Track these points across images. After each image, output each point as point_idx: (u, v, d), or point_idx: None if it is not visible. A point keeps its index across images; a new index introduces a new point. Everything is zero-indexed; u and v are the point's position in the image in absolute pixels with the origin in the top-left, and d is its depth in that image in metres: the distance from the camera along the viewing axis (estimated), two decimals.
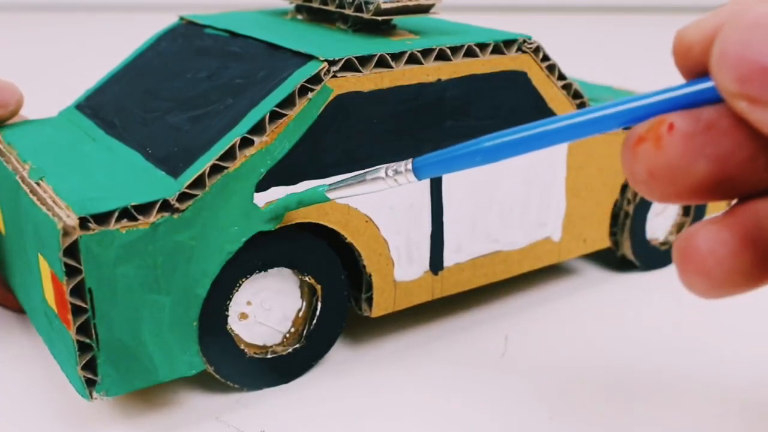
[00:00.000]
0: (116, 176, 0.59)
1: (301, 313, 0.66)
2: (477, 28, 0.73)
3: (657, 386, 0.66)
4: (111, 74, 0.79)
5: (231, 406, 0.63)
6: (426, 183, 0.67)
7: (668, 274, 0.86)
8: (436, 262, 0.70)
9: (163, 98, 0.69)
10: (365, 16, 0.67)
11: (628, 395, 0.65)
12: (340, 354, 0.70)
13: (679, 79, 0.41)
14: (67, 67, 1.80)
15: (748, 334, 0.74)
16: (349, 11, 0.69)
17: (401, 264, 0.67)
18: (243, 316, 0.63)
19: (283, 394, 0.65)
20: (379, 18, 0.67)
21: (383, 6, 0.66)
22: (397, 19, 0.74)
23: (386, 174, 0.50)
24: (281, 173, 0.60)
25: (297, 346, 0.65)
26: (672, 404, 0.64)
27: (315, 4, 0.73)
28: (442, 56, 0.66)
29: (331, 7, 0.71)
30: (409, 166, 0.48)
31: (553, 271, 0.85)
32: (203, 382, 0.65)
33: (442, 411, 0.63)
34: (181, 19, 0.81)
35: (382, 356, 0.70)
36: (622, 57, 2.05)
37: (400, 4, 0.67)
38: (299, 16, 0.79)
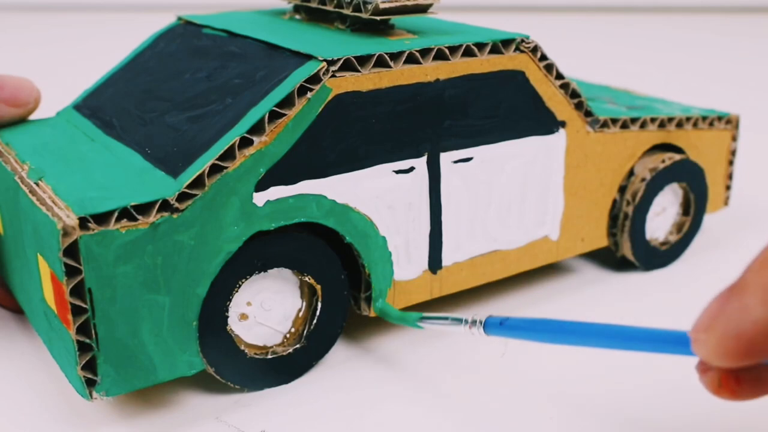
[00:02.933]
0: (115, 176, 0.59)
1: (301, 314, 0.66)
2: (475, 28, 0.73)
3: (657, 386, 0.66)
4: (109, 74, 0.79)
5: (231, 406, 0.63)
6: (424, 182, 0.67)
7: (668, 273, 0.86)
8: (434, 262, 0.70)
9: (162, 98, 0.69)
10: (363, 15, 0.67)
11: (628, 395, 0.65)
12: (340, 354, 0.70)
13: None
14: (65, 68, 1.80)
15: None
16: (347, 11, 0.69)
17: (400, 263, 0.68)
18: (243, 316, 0.63)
19: (283, 394, 0.65)
20: (378, 18, 0.67)
21: (381, 6, 0.66)
22: (395, 19, 0.74)
23: (464, 326, 0.61)
24: (280, 173, 0.60)
25: (297, 346, 0.65)
26: (672, 404, 0.64)
27: (313, 4, 0.73)
28: (440, 56, 0.66)
29: (329, 7, 0.71)
30: (483, 322, 0.60)
31: (553, 271, 0.85)
32: (203, 382, 0.66)
33: (443, 410, 0.63)
34: (179, 19, 0.81)
35: (382, 356, 0.70)
36: (622, 57, 2.06)
37: (398, 3, 0.67)
38: (297, 16, 0.79)
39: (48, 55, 2.04)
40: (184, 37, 0.77)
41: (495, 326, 0.58)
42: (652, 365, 0.69)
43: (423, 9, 0.68)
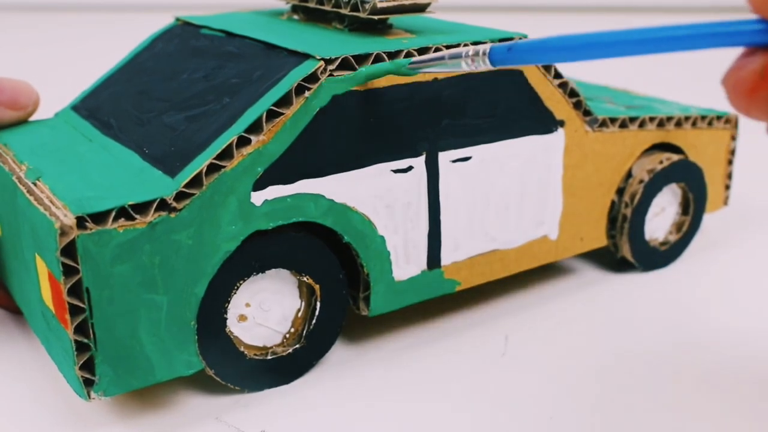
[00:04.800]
0: (113, 176, 0.59)
1: (300, 314, 0.66)
2: (473, 27, 0.73)
3: (657, 386, 0.66)
4: (106, 75, 0.79)
5: (231, 406, 0.63)
6: (423, 182, 0.67)
7: (667, 273, 0.86)
8: (433, 261, 0.69)
9: (159, 98, 0.68)
10: (361, 15, 0.67)
11: (627, 395, 0.65)
12: (340, 354, 0.70)
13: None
14: (64, 68, 1.80)
15: (747, 334, 0.74)
16: (345, 11, 0.69)
17: (399, 263, 0.67)
18: (242, 318, 0.63)
19: (283, 394, 0.65)
20: (375, 17, 0.67)
21: (379, 5, 0.66)
22: (393, 19, 0.74)
23: (465, 57, 0.53)
24: (278, 172, 0.60)
25: (297, 346, 0.65)
26: (671, 404, 0.64)
27: (311, 4, 0.73)
28: None
29: (327, 7, 0.71)
30: (486, 51, 0.50)
31: (553, 271, 0.85)
32: (203, 382, 0.65)
33: (443, 411, 0.63)
34: (177, 20, 0.81)
35: (382, 356, 0.70)
36: (622, 57, 2.05)
37: (396, 3, 0.67)
38: (295, 16, 0.78)
39: (47, 55, 2.04)
40: (182, 38, 0.77)
41: (502, 53, 0.49)
42: (651, 366, 0.69)
43: (421, 8, 0.68)
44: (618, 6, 2.83)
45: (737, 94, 0.37)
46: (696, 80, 1.78)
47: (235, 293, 0.61)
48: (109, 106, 0.73)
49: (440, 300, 0.77)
